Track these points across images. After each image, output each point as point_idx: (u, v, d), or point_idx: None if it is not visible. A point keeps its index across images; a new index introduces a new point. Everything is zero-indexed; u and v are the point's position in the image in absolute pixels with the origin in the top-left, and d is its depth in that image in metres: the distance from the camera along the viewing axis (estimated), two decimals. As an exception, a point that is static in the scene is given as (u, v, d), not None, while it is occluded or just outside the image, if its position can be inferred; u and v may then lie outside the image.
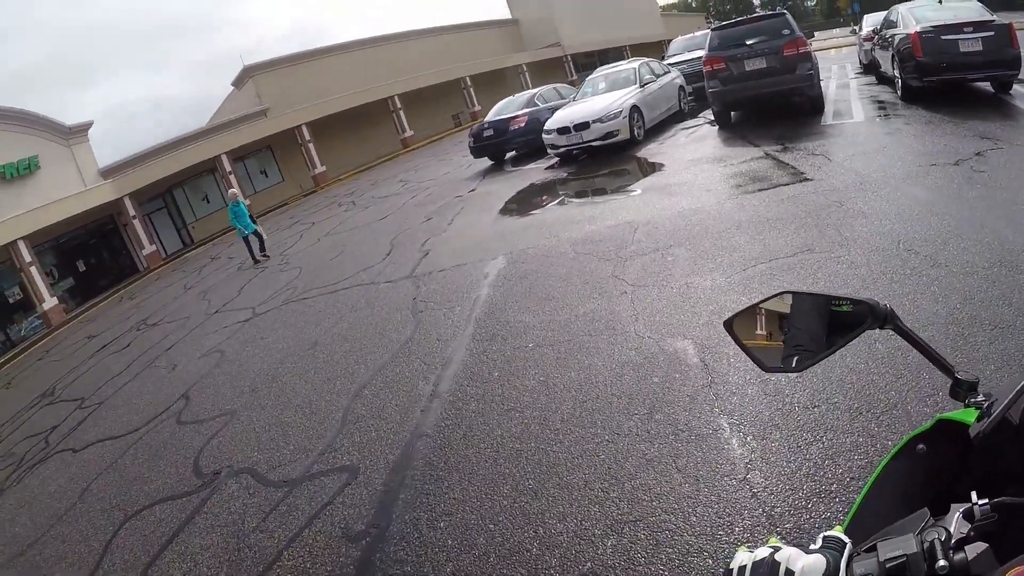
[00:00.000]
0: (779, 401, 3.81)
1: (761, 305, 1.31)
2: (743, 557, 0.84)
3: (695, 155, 11.51)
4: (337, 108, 31.98)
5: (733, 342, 1.34)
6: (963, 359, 3.71)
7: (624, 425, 4.00)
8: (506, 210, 11.44)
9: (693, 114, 16.39)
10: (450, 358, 5.77)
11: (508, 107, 18.18)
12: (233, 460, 5.27)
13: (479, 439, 4.33)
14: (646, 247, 7.20)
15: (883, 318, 1.16)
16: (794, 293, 1.28)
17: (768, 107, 13.26)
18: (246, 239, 15.37)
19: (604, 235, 8.07)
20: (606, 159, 13.44)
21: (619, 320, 5.57)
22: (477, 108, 37.33)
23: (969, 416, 1.10)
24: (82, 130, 24.35)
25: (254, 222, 15.57)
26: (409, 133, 35.40)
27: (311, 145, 30.67)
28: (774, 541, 0.85)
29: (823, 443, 3.34)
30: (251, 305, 10.55)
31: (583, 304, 6.13)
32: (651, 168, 11.52)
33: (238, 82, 34.79)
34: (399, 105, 34.88)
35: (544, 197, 11.69)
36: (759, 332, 1.33)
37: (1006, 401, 1.01)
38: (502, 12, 51.08)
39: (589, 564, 3.01)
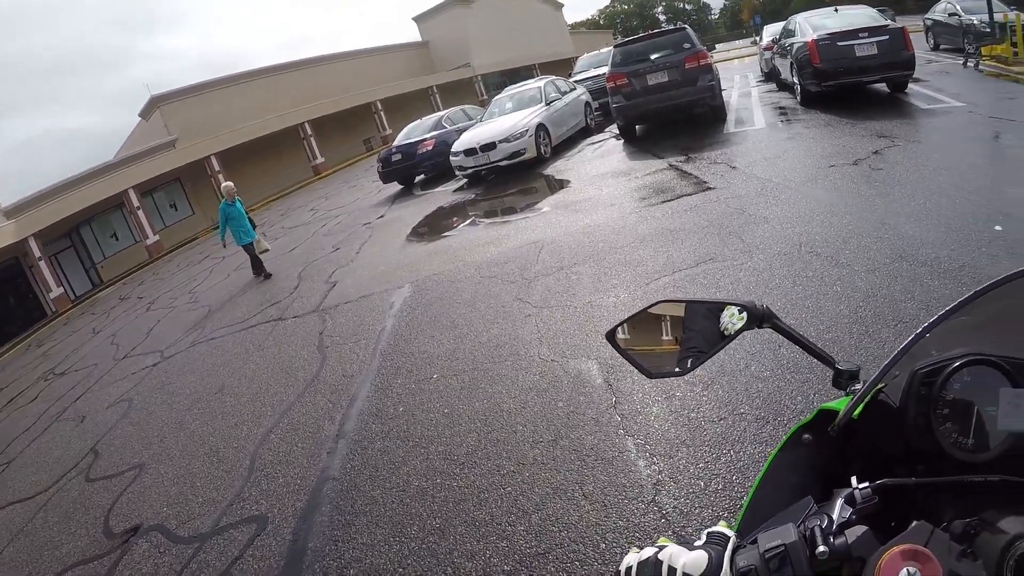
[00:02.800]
0: (684, 417, 3.81)
1: (643, 314, 1.32)
2: (631, 558, 0.85)
3: (601, 170, 11.59)
4: (246, 137, 31.31)
5: (617, 353, 1.35)
6: (868, 356, 3.78)
7: (529, 454, 3.94)
8: (414, 235, 11.27)
9: (600, 129, 16.61)
10: (356, 395, 5.60)
11: (416, 130, 18.05)
12: (143, 517, 4.99)
13: (385, 479, 4.20)
14: (551, 267, 7.13)
15: (760, 318, 1.21)
16: (674, 301, 1.30)
17: (672, 119, 13.47)
18: (248, 248, 12.44)
19: (510, 256, 7.99)
20: (514, 178, 13.45)
21: (523, 344, 5.50)
22: (388, 132, 37.09)
23: (844, 405, 1.13)
24: (-15, 169, 23.14)
25: (253, 226, 12.70)
26: (320, 160, 34.93)
27: (221, 176, 29.86)
28: (663, 540, 0.86)
29: (731, 456, 3.33)
30: (159, 348, 10.11)
31: (488, 330, 6.02)
32: (558, 185, 11.55)
33: (145, 113, 33.79)
34: (309, 132, 34.43)
35: (452, 220, 11.57)
36: (646, 341, 1.35)
37: (861, 392, 1.07)
38: (413, 35, 51.18)
39: (500, 603, 2.93)
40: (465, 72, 46.23)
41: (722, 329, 1.25)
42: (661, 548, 0.83)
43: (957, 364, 1.07)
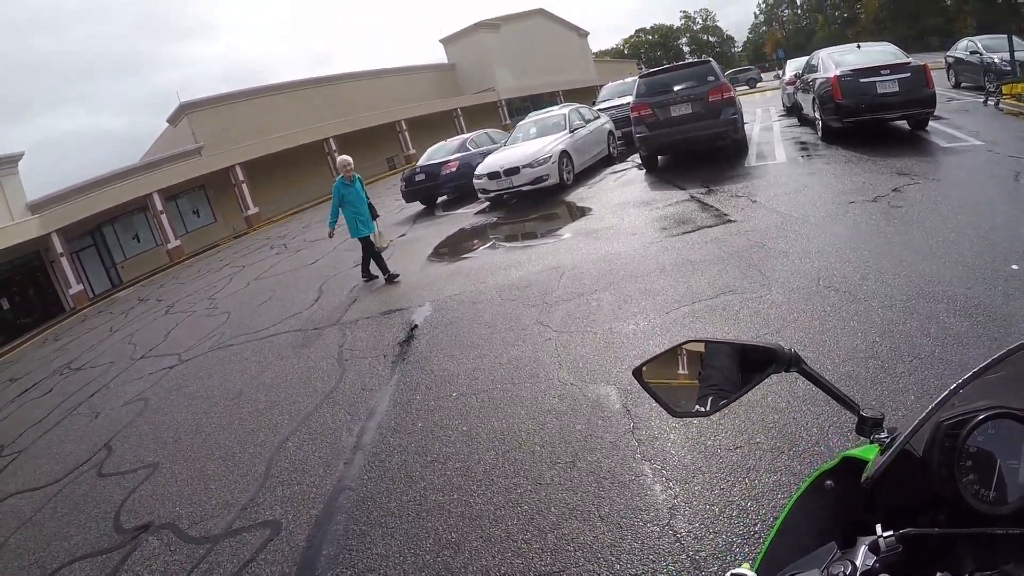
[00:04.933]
0: (701, 445, 3.81)
1: (669, 352, 1.33)
2: None
3: (622, 199, 11.66)
4: (272, 148, 31.69)
5: (643, 390, 1.35)
6: (883, 391, 3.77)
7: (546, 474, 3.95)
8: (435, 255, 11.35)
9: (622, 158, 16.70)
10: (374, 409, 5.63)
11: (440, 151, 18.21)
12: (155, 515, 5.02)
13: (401, 492, 4.21)
14: (572, 292, 7.17)
15: (788, 362, 1.20)
16: (701, 341, 1.32)
17: (694, 151, 13.54)
18: (365, 242, 10.42)
19: (531, 280, 8.04)
20: (536, 203, 13.54)
21: (543, 367, 5.51)
22: (411, 152, 37.41)
23: (871, 453, 1.15)
24: (11, 161, 23.61)
25: (374, 216, 10.69)
26: (344, 177, 35.13)
27: (244, 186, 30.22)
28: None
29: (746, 484, 3.33)
30: (177, 351, 10.19)
31: (507, 351, 6.05)
32: (580, 212, 11.62)
33: (173, 119, 34.28)
34: (334, 147, 34.68)
35: (473, 242, 11.65)
36: (669, 378, 1.35)
37: (894, 448, 1.06)
38: (440, 56, 51.64)
39: (512, 620, 2.90)
40: (490, 96, 46.58)
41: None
42: None
43: (982, 417, 1.09)
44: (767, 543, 1.14)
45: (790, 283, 5.99)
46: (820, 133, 13.24)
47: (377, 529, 3.89)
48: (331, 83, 39.59)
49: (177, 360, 9.66)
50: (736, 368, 1.28)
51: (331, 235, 10.66)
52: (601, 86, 25.03)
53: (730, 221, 8.37)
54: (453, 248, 11.64)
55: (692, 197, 10.39)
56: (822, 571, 0.85)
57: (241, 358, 8.56)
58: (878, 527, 0.93)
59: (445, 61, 50.66)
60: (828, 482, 1.18)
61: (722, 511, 3.18)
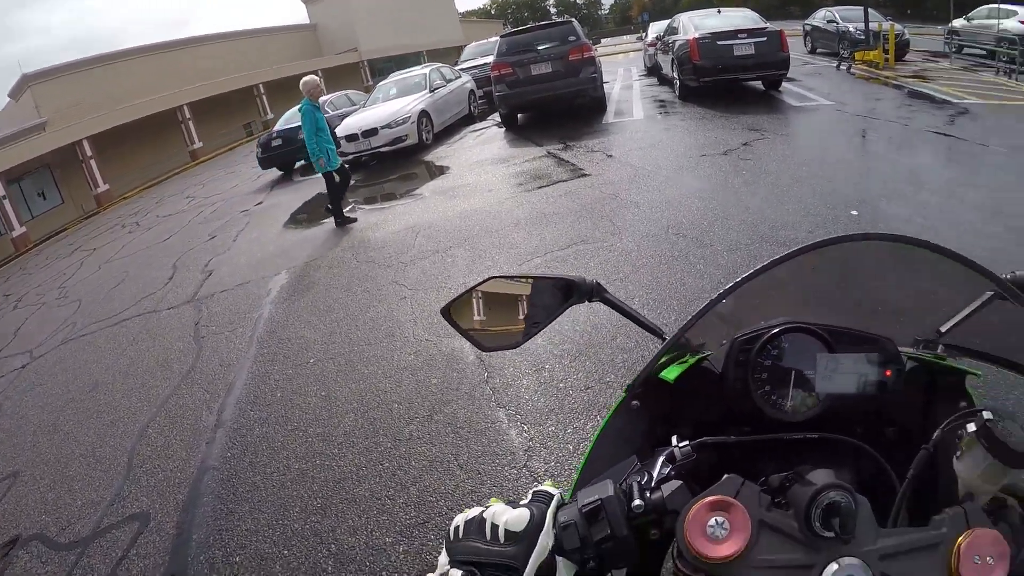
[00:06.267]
0: (553, 388, 3.98)
1: (474, 290, 1.33)
2: (459, 519, 0.84)
3: (480, 157, 11.70)
4: (120, 120, 29.51)
5: (452, 327, 1.36)
6: None
7: (405, 430, 4.02)
8: (292, 222, 11.05)
9: (483, 117, 16.75)
10: (233, 383, 5.50)
11: (297, 115, 17.47)
12: (21, 527, 4.69)
13: (265, 464, 4.18)
14: (427, 250, 7.16)
15: (589, 292, 1.27)
16: (504, 277, 1.33)
17: (553, 109, 13.68)
18: (329, 177, 9.29)
19: (387, 241, 7.96)
20: (395, 164, 13.36)
21: (399, 325, 5.55)
22: (270, 117, 35.88)
23: (674, 372, 1.21)
24: None
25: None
26: (199, 145, 33.40)
27: (93, 162, 28.12)
28: (492, 501, 0.86)
29: (597, 421, 3.45)
30: (28, 348, 9.41)
31: (364, 313, 6.02)
32: (438, 171, 11.57)
33: (15, 93, 31.31)
34: (188, 115, 32.85)
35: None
36: (477, 314, 1.36)
37: (655, 356, 1.15)
38: (302, 18, 49.73)
39: (384, 573, 3.02)
40: (352, 57, 45.33)
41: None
42: (487, 508, 0.85)
43: (775, 331, 1.14)
44: (583, 463, 1.16)
45: (640, 231, 6.16)
46: (678, 92, 13.71)
47: (244, 505, 3.86)
48: (185, 47, 37.22)
49: (29, 358, 8.96)
50: (556, 302, 1.30)
51: (324, 163, 9.06)
52: (465, 46, 24.86)
53: (585, 175, 8.51)
54: (310, 214, 11.35)
55: (549, 153, 10.53)
56: (619, 483, 0.87)
57: (95, 347, 8.08)
58: (674, 438, 0.97)
59: (307, 22, 48.87)
60: (634, 402, 1.21)
61: (576, 448, 3.37)
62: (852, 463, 1.09)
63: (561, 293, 1.29)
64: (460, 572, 0.78)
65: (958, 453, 0.89)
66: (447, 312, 1.35)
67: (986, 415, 0.86)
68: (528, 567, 0.79)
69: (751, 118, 10.52)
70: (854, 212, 6.30)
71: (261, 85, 37.95)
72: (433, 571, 0.79)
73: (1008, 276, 1.22)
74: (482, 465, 3.46)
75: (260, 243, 10.03)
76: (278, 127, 17.42)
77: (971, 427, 0.88)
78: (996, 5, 18.24)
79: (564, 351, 4.37)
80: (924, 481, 0.94)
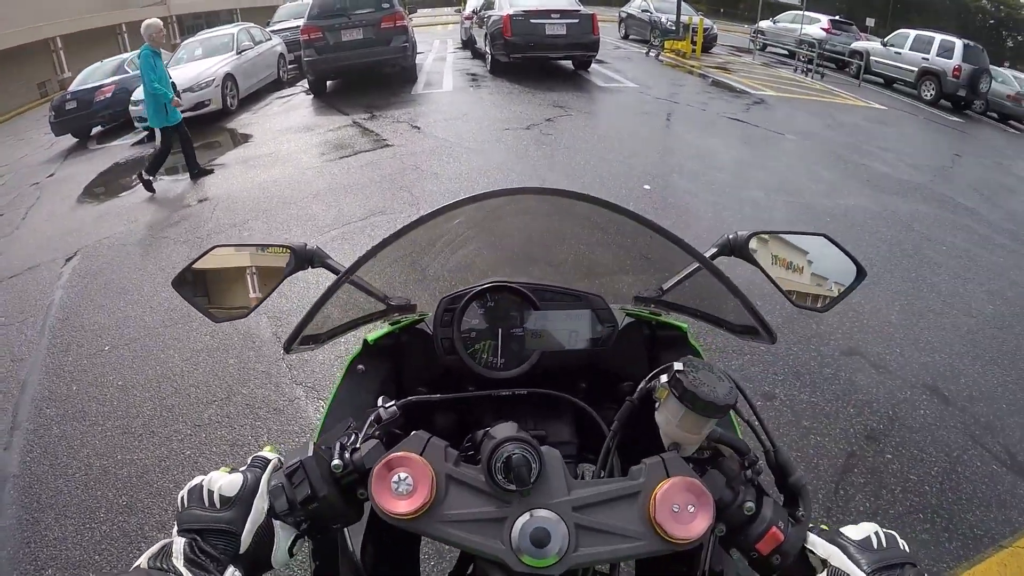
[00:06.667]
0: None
1: (203, 259, 1.35)
2: (184, 489, 0.87)
3: (286, 125, 11.49)
4: None
5: (184, 300, 1.38)
6: None
7: (204, 414, 4.01)
8: (87, 196, 10.31)
9: (292, 83, 16.28)
10: (27, 380, 5.12)
11: (94, 74, 16.18)
12: None
13: (66, 465, 3.96)
14: (224, 223, 7.04)
15: (310, 259, 1.33)
16: (231, 245, 1.38)
17: (363, 77, 13.58)
18: (180, 132, 8.77)
19: (184, 215, 7.72)
20: (197, 131, 12.43)
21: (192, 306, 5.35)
22: (68, 75, 32.82)
23: (374, 335, 1.30)
24: None
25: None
26: (-17, 108, 30.23)
27: None
28: (225, 469, 0.88)
29: None
30: None
31: (158, 294, 5.83)
32: (241, 139, 11.25)
33: None
34: (-32, 73, 29.63)
35: (128, 178, 10.64)
36: (208, 284, 1.41)
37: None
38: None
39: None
40: (159, 11, 42.05)
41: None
42: (207, 475, 0.87)
43: (477, 290, 1.22)
44: (318, 429, 1.20)
45: (438, 202, 6.25)
46: (489, 66, 14.12)
47: (49, 513, 3.66)
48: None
49: None
50: (276, 270, 1.35)
51: (178, 104, 8.72)
52: (280, 6, 23.92)
53: (388, 145, 8.65)
54: (107, 186, 10.66)
55: (355, 122, 10.54)
56: (315, 443, 0.90)
57: None
58: (380, 399, 1.00)
59: None
60: (360, 366, 1.28)
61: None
62: (570, 417, 1.18)
63: (283, 261, 1.34)
64: (183, 540, 0.81)
65: (657, 405, 0.92)
66: (178, 283, 1.36)
67: (677, 366, 0.89)
68: (245, 531, 0.83)
69: (558, 95, 10.99)
70: (647, 187, 6.83)
71: (59, 39, 34.52)
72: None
73: (731, 236, 1.34)
74: (282, 444, 3.48)
75: (52, 220, 9.31)
76: (73, 87, 15.98)
77: (664, 379, 0.90)
78: (802, 12, 20.25)
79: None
80: (638, 432, 0.98)
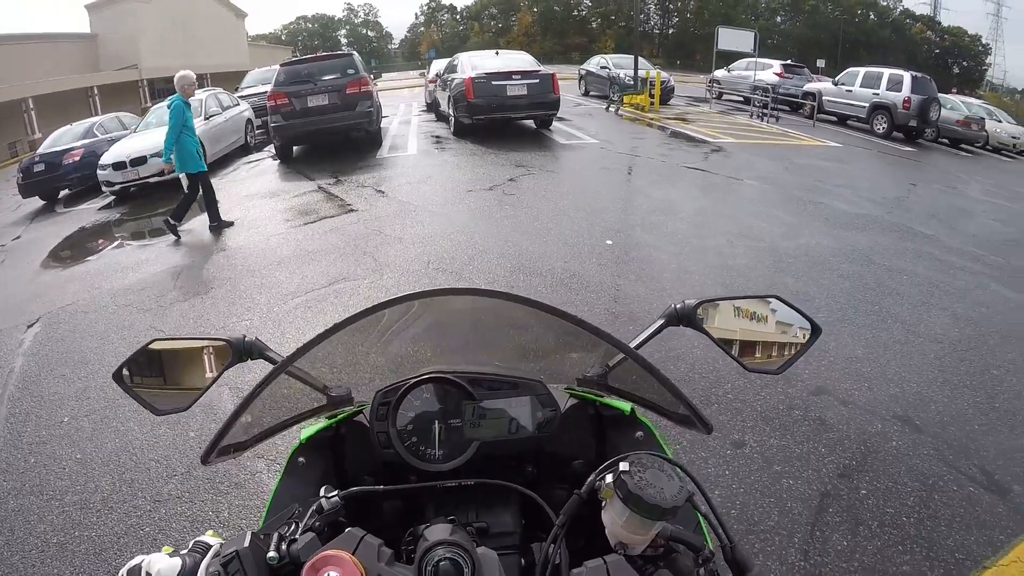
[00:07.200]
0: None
1: (143, 353, 1.34)
2: (124, 568, 0.86)
3: (251, 190, 11.56)
4: None
5: (125, 393, 1.34)
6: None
7: (164, 489, 3.91)
8: (52, 260, 10.26)
9: (260, 148, 16.44)
10: None
11: (64, 137, 16.25)
12: None
13: (23, 541, 3.84)
14: (188, 292, 7.04)
15: (249, 351, 1.32)
16: (165, 339, 1.37)
17: (329, 142, 13.77)
18: (204, 181, 8.96)
19: (148, 283, 7.68)
20: (164, 196, 12.55)
21: None
22: (38, 136, 32.68)
23: (308, 432, 1.30)
24: None
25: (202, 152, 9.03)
26: (-50, 169, 29.94)
27: None
28: (165, 549, 0.88)
29: None
30: None
31: (118, 363, 5.69)
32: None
33: None
34: (-64, 133, 29.43)
35: (96, 242, 10.70)
36: (149, 378, 1.38)
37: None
38: (82, 25, 45.55)
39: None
40: (131, 74, 42.33)
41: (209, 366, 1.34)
42: (148, 557, 0.87)
43: (411, 383, 1.21)
44: (262, 519, 1.18)
45: (402, 267, 6.45)
46: (453, 128, 14.46)
47: None
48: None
49: None
50: (215, 363, 1.36)
51: (170, 169, 9.05)
52: (249, 72, 24.22)
53: (352, 210, 8.75)
54: (72, 250, 10.63)
55: (320, 188, 10.65)
56: (255, 533, 0.91)
57: None
58: (323, 489, 1.00)
59: (88, 31, 44.92)
60: (300, 459, 1.28)
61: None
62: (517, 505, 1.15)
63: (222, 354, 1.32)
64: None
65: (604, 504, 0.90)
66: (119, 376, 1.34)
67: (623, 466, 0.86)
68: None
69: (520, 155, 11.23)
70: (609, 242, 6.98)
71: (31, 99, 34.44)
72: None
73: (678, 306, 1.32)
74: (242, 520, 3.43)
75: (15, 285, 9.24)
76: (41, 150, 16.03)
77: (609, 478, 0.88)
78: (755, 59, 21.03)
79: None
80: (588, 520, 0.95)
